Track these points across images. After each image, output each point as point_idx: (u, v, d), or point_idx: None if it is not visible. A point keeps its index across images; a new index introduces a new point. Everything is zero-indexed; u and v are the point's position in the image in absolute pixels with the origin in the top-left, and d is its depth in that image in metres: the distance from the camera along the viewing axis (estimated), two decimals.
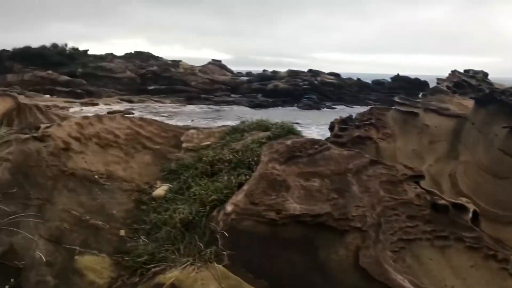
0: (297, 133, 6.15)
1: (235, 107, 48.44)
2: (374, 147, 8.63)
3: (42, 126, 5.47)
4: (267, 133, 5.81)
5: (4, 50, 51.46)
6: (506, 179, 7.07)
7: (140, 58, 59.14)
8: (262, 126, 6.22)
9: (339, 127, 9.10)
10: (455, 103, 9.21)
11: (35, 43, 53.29)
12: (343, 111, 43.65)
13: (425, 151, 8.26)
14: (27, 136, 4.98)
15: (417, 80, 57.67)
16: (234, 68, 68.59)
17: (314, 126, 32.95)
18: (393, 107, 9.24)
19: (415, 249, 4.05)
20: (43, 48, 52.61)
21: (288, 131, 6.08)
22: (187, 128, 6.85)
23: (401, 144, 8.53)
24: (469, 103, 8.69)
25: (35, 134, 5.08)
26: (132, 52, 61.15)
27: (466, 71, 10.82)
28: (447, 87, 9.70)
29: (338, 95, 55.37)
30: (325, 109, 49.53)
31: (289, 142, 5.28)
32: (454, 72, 10.48)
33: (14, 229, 3.86)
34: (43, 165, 4.74)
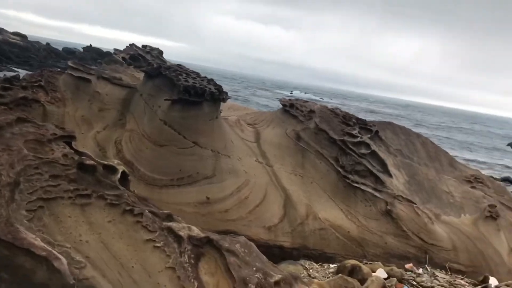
0: None
1: None
2: (41, 110, 8.10)
3: None
4: None
5: None
6: (164, 147, 7.82)
7: None
8: None
9: (2, 86, 8.12)
10: (129, 75, 9.56)
11: None
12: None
13: (95, 118, 8.28)
14: None
15: (109, 53, 58.15)
16: None
17: None
18: (66, 71, 8.86)
19: (54, 208, 3.95)
20: None
21: None
22: None
23: (71, 109, 8.28)
24: (141, 75, 9.16)
25: None
26: None
27: (143, 46, 11.29)
28: (123, 58, 9.94)
29: (24, 59, 49.95)
30: (6, 72, 43.94)
31: None
32: (131, 45, 10.80)
33: None
34: None
